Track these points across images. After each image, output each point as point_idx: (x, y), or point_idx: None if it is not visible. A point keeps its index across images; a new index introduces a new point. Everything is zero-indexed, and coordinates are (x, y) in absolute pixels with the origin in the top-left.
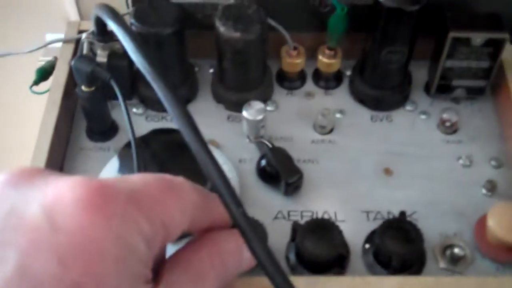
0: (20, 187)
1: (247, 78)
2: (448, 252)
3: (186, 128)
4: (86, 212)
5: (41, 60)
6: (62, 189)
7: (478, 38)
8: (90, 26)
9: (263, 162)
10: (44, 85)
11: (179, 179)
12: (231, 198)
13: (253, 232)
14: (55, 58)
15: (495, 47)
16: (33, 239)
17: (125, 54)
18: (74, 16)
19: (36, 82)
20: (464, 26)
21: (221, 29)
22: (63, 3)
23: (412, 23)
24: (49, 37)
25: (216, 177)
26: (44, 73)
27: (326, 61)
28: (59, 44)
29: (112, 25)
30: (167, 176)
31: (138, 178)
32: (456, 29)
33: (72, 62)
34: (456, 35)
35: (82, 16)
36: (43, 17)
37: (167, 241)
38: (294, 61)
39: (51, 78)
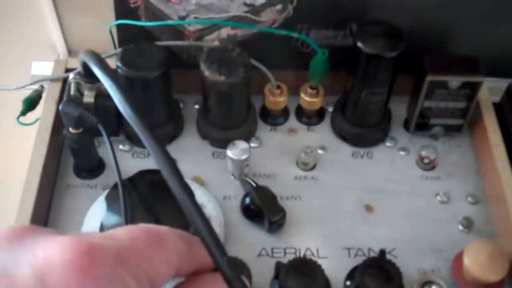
0: (11, 248)
1: (232, 116)
2: None
3: (168, 175)
4: (75, 275)
5: (27, 88)
6: (52, 251)
7: (455, 81)
8: (77, 64)
9: (247, 200)
10: (31, 116)
11: (164, 230)
12: (215, 247)
13: (239, 282)
14: (42, 87)
15: (471, 89)
16: None
17: None
18: (60, 44)
19: (23, 113)
20: (441, 70)
21: (206, 72)
22: (50, 32)
23: (391, 67)
24: (35, 65)
25: (200, 226)
26: (31, 103)
27: (308, 99)
28: (46, 72)
29: (96, 72)
30: (153, 228)
31: (124, 234)
32: (433, 72)
33: (60, 107)
34: (434, 78)
35: (68, 44)
36: (29, 45)
37: None
38: (277, 99)
39: (38, 109)
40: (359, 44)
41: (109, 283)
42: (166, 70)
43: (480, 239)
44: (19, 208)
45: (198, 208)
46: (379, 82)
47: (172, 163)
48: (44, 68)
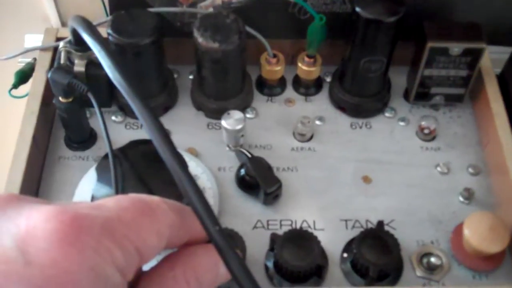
0: None
1: (227, 86)
2: (425, 260)
3: (161, 144)
4: (60, 245)
5: (20, 62)
6: (36, 221)
7: (456, 48)
8: (68, 33)
9: (242, 172)
10: (23, 88)
11: (155, 200)
12: (207, 216)
13: (231, 251)
14: (35, 60)
15: (473, 56)
16: (6, 271)
17: None
18: (53, 16)
19: (15, 86)
20: (442, 36)
21: (200, 39)
22: (43, 4)
23: (391, 33)
24: (28, 38)
25: (192, 195)
26: (23, 76)
27: (305, 68)
28: (39, 44)
29: (86, 38)
30: (143, 198)
31: (113, 204)
32: (434, 39)
33: (49, 74)
34: (434, 45)
35: (61, 15)
36: (22, 17)
37: (142, 265)
38: (273, 68)
39: (30, 81)
40: (357, 9)
41: (95, 253)
42: (158, 37)
43: (480, 210)
44: (7, 181)
45: (190, 177)
46: (378, 49)
47: (163, 132)
48: (37, 40)
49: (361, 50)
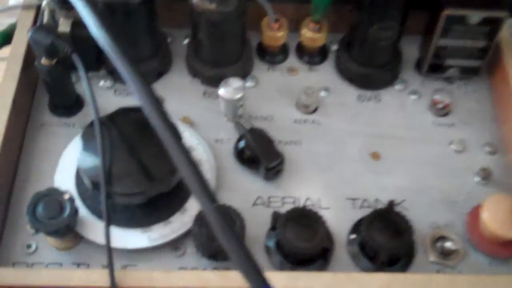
0: None
1: (225, 52)
2: (438, 244)
3: (152, 113)
4: None
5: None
6: None
7: (474, 16)
8: None
9: (241, 144)
10: (7, 50)
11: None
12: (204, 193)
13: (229, 230)
14: None
15: (492, 26)
16: None
17: None
18: None
19: None
20: (459, 3)
21: (195, 0)
22: None
23: None
24: None
25: (187, 169)
26: (7, 37)
27: (310, 35)
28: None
29: None
30: None
31: None
32: (451, 6)
33: (29, 34)
34: (451, 12)
35: None
36: None
37: None
38: (275, 34)
39: None
40: None
41: None
42: None
43: (498, 192)
44: None
45: (184, 150)
46: (390, 14)
47: (155, 100)
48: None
49: (371, 16)
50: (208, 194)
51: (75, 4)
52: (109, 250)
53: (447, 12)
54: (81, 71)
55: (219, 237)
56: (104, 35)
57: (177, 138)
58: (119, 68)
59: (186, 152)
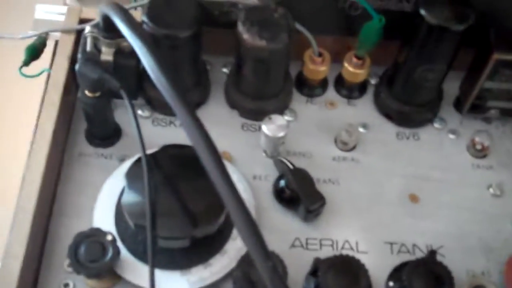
0: None
1: (268, 86)
2: None
3: (208, 160)
4: None
5: (29, 35)
6: None
7: None
8: (92, 14)
9: (282, 183)
10: (34, 66)
11: None
12: (260, 252)
13: None
14: (47, 34)
15: None
16: None
17: (133, 52)
18: None
19: (26, 63)
20: (510, 47)
21: (245, 35)
22: None
23: (456, 42)
24: (40, 8)
25: (243, 226)
26: (34, 52)
27: (352, 70)
28: (50, 16)
29: (121, 27)
30: None
31: None
32: (501, 50)
33: (77, 67)
34: (501, 57)
35: None
36: None
37: None
38: (318, 68)
39: (42, 58)
40: (422, 11)
41: None
42: (199, 29)
43: None
44: (24, 181)
45: (243, 206)
46: (440, 58)
47: (211, 145)
48: (48, 12)
49: (420, 57)
50: (265, 252)
51: (126, 35)
52: None
53: (497, 56)
54: (129, 108)
55: None
56: (155, 66)
57: (236, 194)
58: (170, 103)
59: (244, 209)
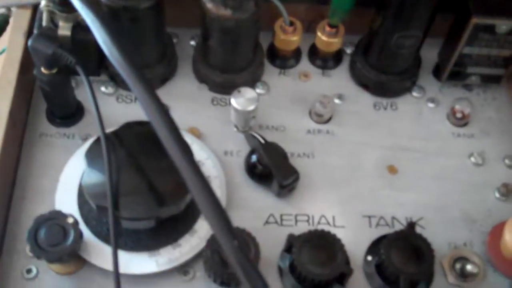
0: None
1: (236, 58)
2: (458, 265)
3: (164, 134)
4: None
5: None
6: None
7: (503, 25)
8: None
9: (254, 158)
10: None
11: None
12: (223, 229)
13: (253, 273)
14: (9, 10)
15: None
16: None
17: None
18: None
19: None
20: (489, 11)
21: (209, 5)
22: None
23: (431, 6)
24: None
25: (206, 203)
26: None
27: (325, 39)
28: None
29: (75, 2)
30: None
31: None
32: (480, 14)
33: (29, 42)
34: (480, 21)
35: None
36: None
37: None
38: (289, 38)
39: (5, 36)
40: None
41: None
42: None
43: None
44: None
45: (203, 179)
46: (416, 23)
47: (168, 119)
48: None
49: (396, 23)
50: (229, 231)
51: (78, 7)
52: (117, 277)
53: (476, 20)
54: (86, 84)
55: (240, 278)
56: (109, 40)
57: (196, 171)
58: (125, 78)
59: (206, 187)
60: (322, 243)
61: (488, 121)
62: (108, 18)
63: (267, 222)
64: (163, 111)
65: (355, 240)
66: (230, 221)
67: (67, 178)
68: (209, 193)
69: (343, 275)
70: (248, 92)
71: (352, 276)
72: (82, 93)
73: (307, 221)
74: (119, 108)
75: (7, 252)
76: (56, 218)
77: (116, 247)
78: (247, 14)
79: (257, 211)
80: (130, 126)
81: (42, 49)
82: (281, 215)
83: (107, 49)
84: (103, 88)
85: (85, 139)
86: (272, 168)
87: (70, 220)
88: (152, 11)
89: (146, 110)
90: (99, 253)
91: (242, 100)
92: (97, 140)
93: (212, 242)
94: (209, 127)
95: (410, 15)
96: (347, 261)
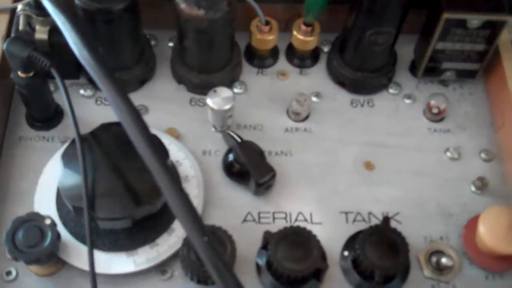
0: None
1: (213, 58)
2: (433, 259)
3: (135, 134)
4: None
5: None
6: None
7: (475, 20)
8: None
9: (231, 157)
10: None
11: None
12: (193, 226)
13: (225, 271)
14: None
15: (492, 29)
16: None
17: None
18: None
19: None
20: (460, 6)
21: (182, 5)
22: None
23: (403, 2)
24: None
25: (174, 199)
26: None
27: (301, 38)
28: None
29: (45, 2)
30: None
31: None
32: (451, 9)
33: (4, 46)
34: (451, 16)
35: None
36: None
37: None
38: (265, 37)
39: None
40: None
41: None
42: (133, 1)
43: (494, 202)
44: None
45: (170, 177)
46: (388, 20)
47: (138, 120)
48: None
49: (368, 20)
50: (199, 227)
51: (49, 9)
52: (93, 276)
53: (447, 15)
54: (61, 85)
55: (211, 273)
56: (79, 42)
57: (164, 169)
58: (94, 78)
59: (174, 184)
60: (298, 240)
61: (465, 116)
62: (83, 21)
63: (245, 220)
64: (134, 112)
65: (332, 237)
66: (200, 217)
67: (46, 181)
68: (178, 190)
69: (319, 271)
70: (224, 92)
71: (329, 271)
72: (61, 97)
73: (285, 218)
74: (98, 110)
75: None
76: (33, 219)
77: (91, 246)
78: (220, 14)
79: (235, 209)
80: (106, 127)
81: (17, 52)
82: (259, 213)
83: (78, 50)
84: (82, 91)
85: (64, 142)
86: (248, 167)
87: (48, 222)
88: (127, 13)
89: (116, 111)
90: (78, 254)
91: (218, 99)
92: (73, 142)
93: (188, 240)
94: (188, 128)
95: (382, 12)
96: (323, 257)
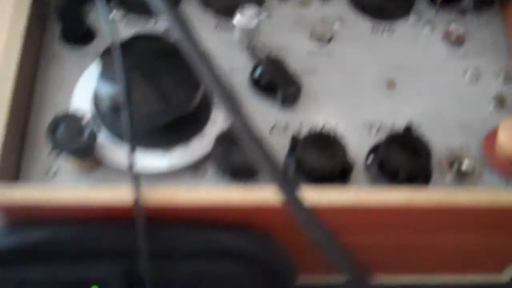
0: None
1: None
2: (455, 166)
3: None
4: None
5: None
6: None
7: None
8: None
9: (258, 72)
10: None
11: None
12: (230, 101)
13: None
14: None
15: None
16: None
17: None
18: None
19: None
20: None
21: None
22: None
23: None
24: None
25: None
26: None
27: None
28: None
29: None
30: None
31: None
32: None
33: None
34: None
35: None
36: None
37: None
38: None
39: None
40: None
41: None
42: None
43: None
44: None
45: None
46: None
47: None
48: None
49: None
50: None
51: None
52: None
53: None
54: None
55: (255, 157)
56: None
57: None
58: None
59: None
60: (325, 141)
61: (483, 43)
62: None
63: (272, 130)
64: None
65: (357, 145)
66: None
67: (81, 90)
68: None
69: (345, 172)
70: (250, 9)
71: (354, 178)
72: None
73: (311, 127)
74: (127, 33)
75: (27, 160)
76: (72, 117)
77: (132, 143)
78: None
79: (262, 121)
80: (138, 38)
81: None
82: (286, 123)
83: None
84: (112, 13)
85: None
86: (275, 79)
87: (85, 120)
88: None
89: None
90: (113, 155)
91: (245, 16)
92: (109, 49)
93: (220, 138)
94: (215, 48)
95: None
96: (348, 157)
